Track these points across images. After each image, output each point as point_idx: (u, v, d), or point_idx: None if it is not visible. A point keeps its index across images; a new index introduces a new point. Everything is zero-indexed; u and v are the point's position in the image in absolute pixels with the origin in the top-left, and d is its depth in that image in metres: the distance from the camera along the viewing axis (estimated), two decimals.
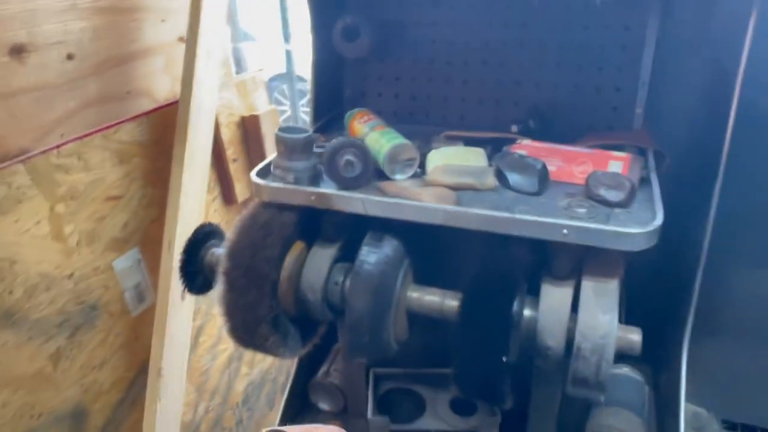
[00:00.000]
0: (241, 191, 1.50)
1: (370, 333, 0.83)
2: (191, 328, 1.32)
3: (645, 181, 0.86)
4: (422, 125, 1.18)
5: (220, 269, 0.89)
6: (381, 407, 1.10)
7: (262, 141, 1.50)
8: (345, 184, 0.90)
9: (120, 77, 1.23)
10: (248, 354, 1.64)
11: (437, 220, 0.80)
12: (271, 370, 1.77)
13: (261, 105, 1.55)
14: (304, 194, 0.87)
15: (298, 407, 1.23)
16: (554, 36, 1.05)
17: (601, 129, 1.06)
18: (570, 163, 0.89)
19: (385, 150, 0.89)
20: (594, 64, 1.04)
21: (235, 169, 1.46)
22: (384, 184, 0.90)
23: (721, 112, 0.89)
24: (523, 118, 1.06)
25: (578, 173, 0.88)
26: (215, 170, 1.43)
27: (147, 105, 1.30)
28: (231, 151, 1.44)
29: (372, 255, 0.84)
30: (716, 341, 1.18)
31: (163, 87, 1.36)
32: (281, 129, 0.91)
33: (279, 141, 0.90)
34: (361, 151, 0.88)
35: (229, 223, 1.52)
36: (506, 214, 0.76)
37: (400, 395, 1.12)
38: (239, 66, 1.94)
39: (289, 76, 2.16)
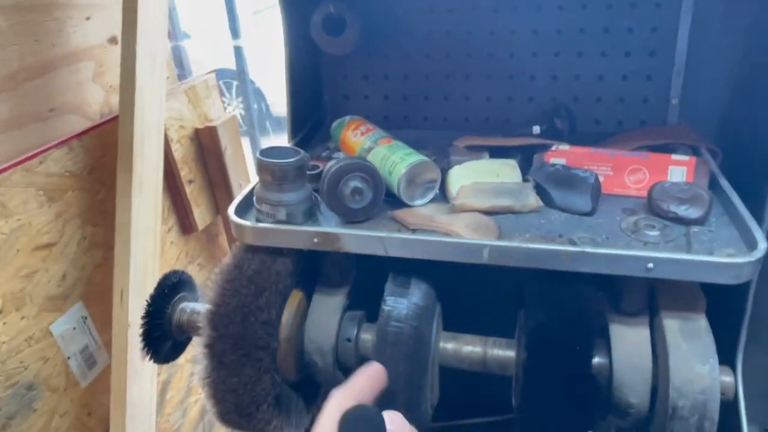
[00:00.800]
0: (200, 217, 1.27)
1: (405, 408, 0.66)
2: (156, 386, 1.10)
3: (713, 187, 0.73)
4: (419, 130, 1.00)
5: (202, 339, 0.69)
6: None
7: (222, 156, 1.28)
8: (351, 216, 0.72)
9: (39, 92, 0.98)
10: None
11: (481, 259, 0.63)
12: None
13: (216, 113, 1.33)
14: (305, 235, 0.68)
15: None
16: (573, 19, 0.89)
17: (630, 124, 0.93)
18: (620, 171, 0.75)
19: (401, 170, 0.72)
20: (620, 50, 0.89)
21: (191, 192, 1.24)
22: (400, 214, 0.72)
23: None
24: (543, 116, 0.90)
25: (632, 183, 0.74)
26: (168, 196, 1.20)
27: (77, 124, 1.05)
28: (185, 172, 1.22)
29: (400, 307, 0.66)
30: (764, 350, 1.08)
31: (95, 100, 1.11)
32: (263, 152, 0.71)
33: (263, 168, 0.70)
34: (371, 174, 0.70)
35: (189, 256, 1.29)
36: (573, 248, 0.60)
37: None
38: (181, 68, 1.70)
39: (240, 76, 1.92)
